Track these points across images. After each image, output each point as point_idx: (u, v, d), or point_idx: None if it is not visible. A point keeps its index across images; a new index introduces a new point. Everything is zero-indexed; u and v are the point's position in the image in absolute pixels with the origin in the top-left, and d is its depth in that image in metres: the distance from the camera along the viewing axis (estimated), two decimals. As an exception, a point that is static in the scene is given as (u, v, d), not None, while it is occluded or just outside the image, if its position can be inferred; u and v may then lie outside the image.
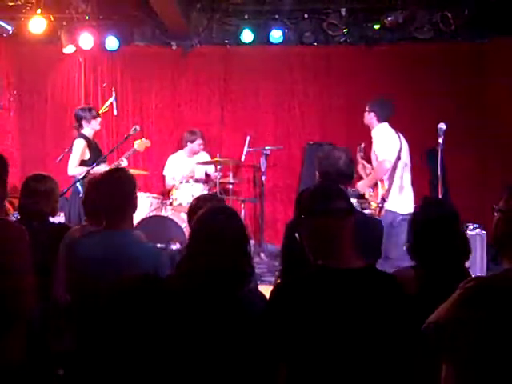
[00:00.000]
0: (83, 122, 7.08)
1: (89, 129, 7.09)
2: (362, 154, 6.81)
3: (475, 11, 8.16)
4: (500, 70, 8.53)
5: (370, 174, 6.60)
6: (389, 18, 8.35)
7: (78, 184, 6.61)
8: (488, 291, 2.17)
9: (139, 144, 7.58)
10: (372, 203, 6.49)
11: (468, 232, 7.28)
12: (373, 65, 8.92)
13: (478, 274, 7.17)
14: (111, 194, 3.34)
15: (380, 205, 6.33)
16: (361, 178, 6.66)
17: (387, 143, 6.49)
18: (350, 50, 8.97)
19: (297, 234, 2.67)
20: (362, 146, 6.84)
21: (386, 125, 6.64)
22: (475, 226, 7.46)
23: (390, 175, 6.42)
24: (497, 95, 8.55)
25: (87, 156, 6.98)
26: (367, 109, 6.74)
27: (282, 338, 2.38)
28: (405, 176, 6.57)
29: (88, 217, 3.95)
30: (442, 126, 6.13)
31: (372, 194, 6.50)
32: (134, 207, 3.42)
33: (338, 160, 3.78)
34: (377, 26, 8.66)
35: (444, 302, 2.24)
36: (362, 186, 6.55)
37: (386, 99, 6.98)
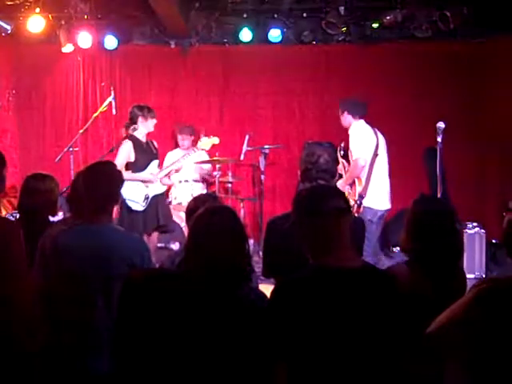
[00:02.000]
0: (140, 120, 6.73)
1: (143, 129, 6.77)
2: (342, 152, 6.88)
3: (474, 10, 8.16)
4: (499, 68, 8.53)
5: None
6: (387, 17, 8.35)
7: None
8: (502, 293, 2.17)
9: (204, 143, 7.32)
10: (351, 201, 6.56)
11: (467, 231, 7.32)
12: (372, 64, 8.92)
13: (477, 273, 7.23)
14: (96, 185, 3.34)
15: (358, 202, 6.42)
16: (341, 176, 6.73)
17: (361, 141, 6.59)
18: (349, 48, 8.97)
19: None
20: (342, 144, 6.94)
21: (361, 122, 6.77)
22: (474, 224, 7.48)
23: (367, 172, 6.52)
24: (495, 94, 8.55)
25: (132, 159, 6.69)
26: (340, 111, 6.89)
27: (282, 337, 2.39)
28: (383, 172, 6.67)
29: (72, 212, 3.92)
30: (441, 124, 6.15)
31: (350, 191, 6.57)
32: (115, 201, 3.42)
33: (319, 158, 3.80)
34: (375, 25, 8.65)
35: (455, 302, 2.25)
36: (340, 184, 6.61)
37: (356, 98, 7.15)
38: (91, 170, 3.48)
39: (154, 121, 6.85)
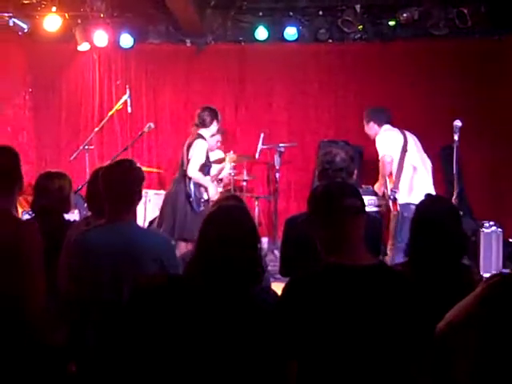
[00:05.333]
0: (214, 123, 6.70)
1: (209, 132, 6.72)
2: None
3: (491, 7, 8.09)
4: (516, 66, 8.46)
5: None
6: (404, 15, 8.30)
7: (191, 185, 6.48)
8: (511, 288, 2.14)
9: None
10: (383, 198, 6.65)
11: (484, 230, 7.27)
12: (388, 62, 8.88)
13: (494, 272, 7.16)
14: (119, 183, 3.30)
15: (392, 197, 6.41)
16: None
17: (384, 140, 6.67)
18: (365, 46, 8.93)
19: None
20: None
21: (387, 126, 6.84)
22: (491, 223, 7.42)
23: (397, 168, 6.56)
24: (513, 92, 8.48)
25: (203, 160, 6.63)
26: (365, 122, 6.96)
27: (293, 335, 2.37)
28: (417, 167, 6.68)
29: (92, 210, 3.92)
30: (458, 123, 6.10)
31: (386, 191, 6.60)
32: (139, 199, 3.41)
33: (335, 156, 3.77)
34: (392, 23, 8.60)
35: (464, 299, 2.22)
36: (377, 187, 6.65)
37: (378, 107, 7.21)
38: (111, 168, 3.44)
39: (218, 126, 6.84)
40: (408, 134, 6.81)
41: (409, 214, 6.36)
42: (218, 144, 8.39)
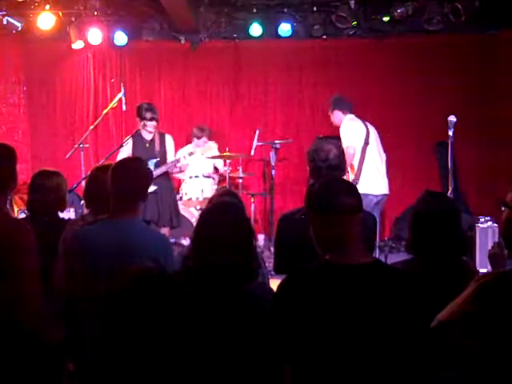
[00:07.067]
0: (138, 119, 6.86)
1: (141, 128, 6.86)
2: None
3: (485, 2, 8.10)
4: (510, 60, 8.47)
5: None
6: (398, 10, 8.30)
7: None
8: (503, 287, 2.14)
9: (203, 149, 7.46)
10: None
11: (479, 225, 7.27)
12: (382, 57, 8.89)
13: (490, 267, 7.17)
14: (129, 180, 3.30)
15: None
16: None
17: (349, 131, 6.82)
18: (360, 42, 8.93)
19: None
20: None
21: (350, 116, 7.01)
22: (486, 218, 7.43)
23: (359, 160, 6.74)
24: (507, 86, 8.49)
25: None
26: (330, 111, 7.17)
27: (288, 334, 2.36)
28: (375, 159, 6.87)
29: (90, 207, 3.91)
30: (453, 118, 6.12)
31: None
32: (143, 200, 3.41)
33: (329, 153, 3.69)
34: (386, 19, 8.61)
35: (456, 298, 2.22)
36: None
37: (341, 95, 7.37)
38: (121, 165, 3.45)
39: (146, 123, 6.84)
40: (369, 125, 6.97)
41: (367, 204, 6.45)
42: (205, 145, 8.42)
